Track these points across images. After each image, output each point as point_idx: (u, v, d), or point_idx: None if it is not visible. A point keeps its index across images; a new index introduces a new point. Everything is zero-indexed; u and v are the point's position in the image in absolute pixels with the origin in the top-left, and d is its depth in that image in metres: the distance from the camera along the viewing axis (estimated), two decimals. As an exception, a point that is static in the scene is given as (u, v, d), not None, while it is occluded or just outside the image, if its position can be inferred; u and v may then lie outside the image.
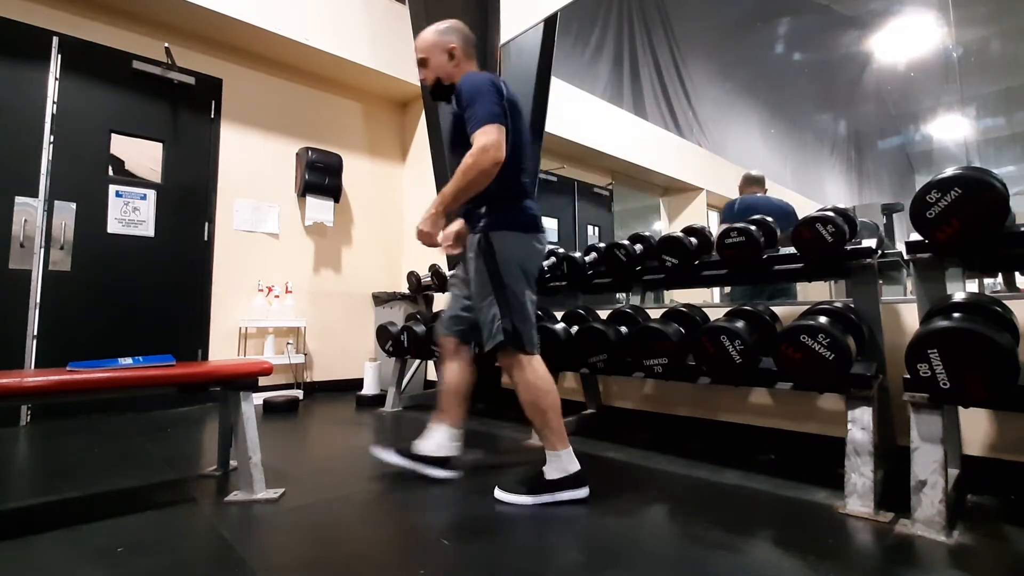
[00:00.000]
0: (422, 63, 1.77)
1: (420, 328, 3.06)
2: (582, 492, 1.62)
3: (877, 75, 5.25)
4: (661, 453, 2.18)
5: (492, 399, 3.45)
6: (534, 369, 1.63)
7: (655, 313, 2.38)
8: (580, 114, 4.87)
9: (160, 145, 3.41)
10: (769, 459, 2.09)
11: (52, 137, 3.00)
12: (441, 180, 3.65)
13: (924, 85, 4.86)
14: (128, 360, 1.61)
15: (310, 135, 4.05)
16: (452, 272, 1.90)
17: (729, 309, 2.09)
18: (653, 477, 1.91)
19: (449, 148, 1.79)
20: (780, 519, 1.50)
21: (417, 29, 3.67)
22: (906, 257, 1.63)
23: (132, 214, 3.26)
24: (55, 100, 3.02)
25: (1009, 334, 1.34)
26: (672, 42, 5.60)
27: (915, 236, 1.52)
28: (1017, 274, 2.04)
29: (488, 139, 1.52)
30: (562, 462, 1.62)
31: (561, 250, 2.82)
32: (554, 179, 4.94)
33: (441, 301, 3.84)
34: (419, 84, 3.78)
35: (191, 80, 3.53)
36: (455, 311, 1.86)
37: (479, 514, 1.53)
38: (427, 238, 1.63)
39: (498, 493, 1.62)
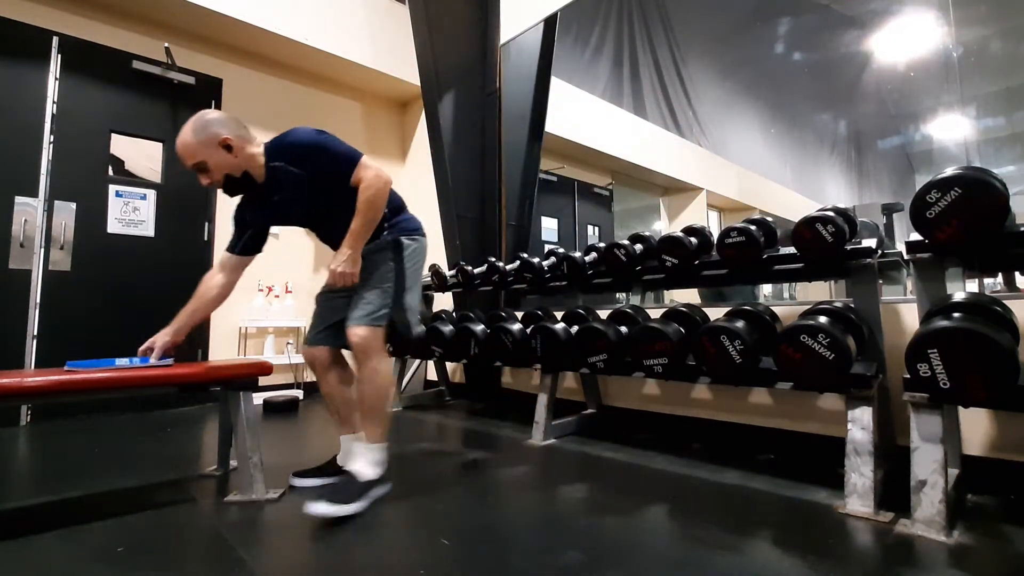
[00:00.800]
0: (200, 168, 1.64)
1: (420, 328, 3.06)
2: (387, 485, 1.65)
3: (877, 75, 5.24)
4: (661, 453, 2.18)
5: (492, 399, 3.45)
6: (389, 359, 1.73)
7: (655, 313, 2.38)
8: (580, 114, 4.87)
9: (160, 145, 3.41)
10: (769, 459, 2.09)
11: (52, 137, 3.00)
12: (441, 181, 3.63)
13: (924, 85, 4.85)
14: (124, 360, 1.62)
15: (310, 135, 4.05)
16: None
17: (729, 309, 2.09)
18: (653, 477, 1.91)
19: (295, 206, 1.81)
20: (780, 519, 1.50)
21: (417, 29, 3.66)
22: (906, 257, 1.63)
23: (132, 214, 3.26)
24: (55, 100, 3.02)
25: (1009, 334, 1.33)
26: (672, 42, 5.60)
27: (915, 236, 1.52)
28: (1017, 274, 2.04)
29: (373, 168, 1.63)
30: (379, 455, 1.64)
31: (561, 250, 2.82)
32: (554, 179, 4.94)
33: (442, 300, 3.84)
34: (419, 84, 3.79)
35: (191, 80, 3.53)
36: (330, 321, 1.79)
37: (479, 514, 1.53)
38: (350, 278, 1.59)
39: (318, 508, 1.42)
